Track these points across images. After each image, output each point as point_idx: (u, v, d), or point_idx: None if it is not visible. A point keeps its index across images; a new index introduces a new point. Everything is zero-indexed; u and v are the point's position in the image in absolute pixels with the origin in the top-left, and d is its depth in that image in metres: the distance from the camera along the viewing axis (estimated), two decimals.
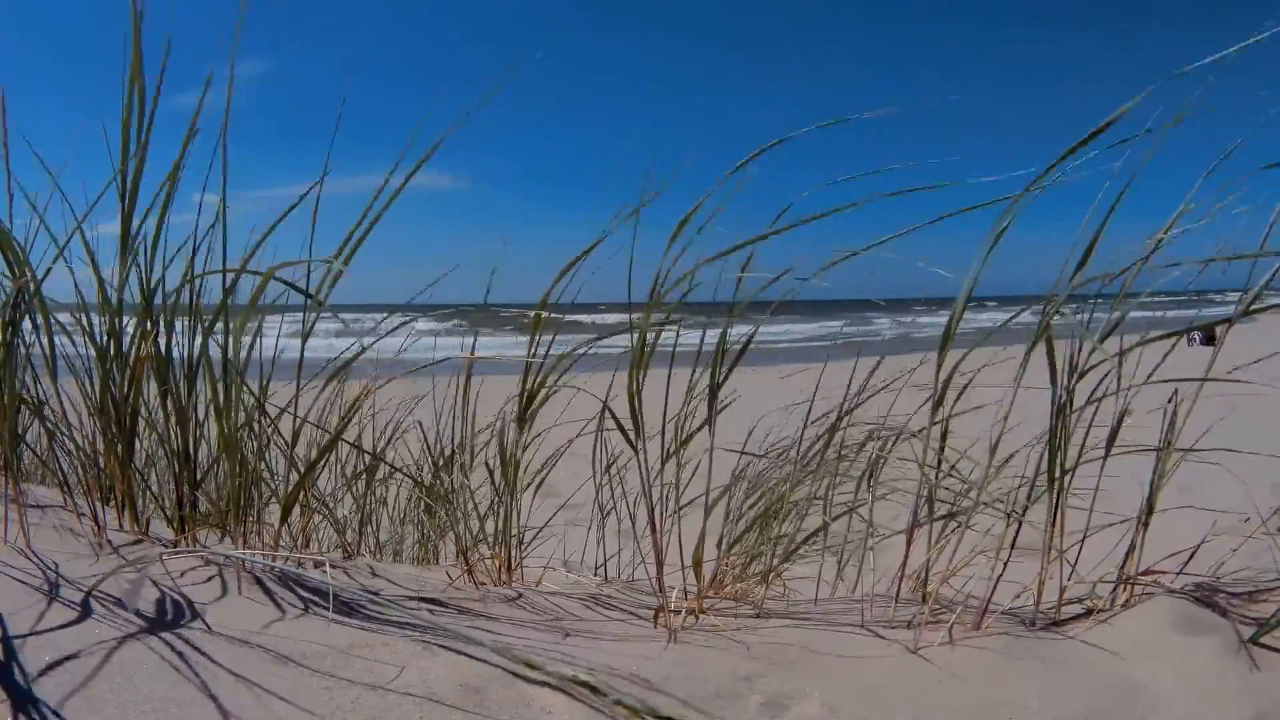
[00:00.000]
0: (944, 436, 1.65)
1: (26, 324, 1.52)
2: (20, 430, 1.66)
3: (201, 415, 1.66)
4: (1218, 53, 1.23)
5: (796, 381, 1.98)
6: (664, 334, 1.52)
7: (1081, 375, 1.41)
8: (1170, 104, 1.28)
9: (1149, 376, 1.43)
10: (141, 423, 1.64)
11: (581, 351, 1.62)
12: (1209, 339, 11.51)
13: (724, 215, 1.44)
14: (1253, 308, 1.34)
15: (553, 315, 1.59)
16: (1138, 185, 1.35)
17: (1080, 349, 1.41)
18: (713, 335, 1.55)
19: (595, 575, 2.02)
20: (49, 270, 1.52)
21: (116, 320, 1.54)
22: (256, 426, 1.60)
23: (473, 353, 1.80)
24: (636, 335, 1.49)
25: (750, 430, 2.08)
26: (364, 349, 1.70)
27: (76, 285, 1.58)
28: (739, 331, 1.56)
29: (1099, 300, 1.43)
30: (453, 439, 1.99)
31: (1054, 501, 1.43)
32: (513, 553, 1.82)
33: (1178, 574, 1.51)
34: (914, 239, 1.38)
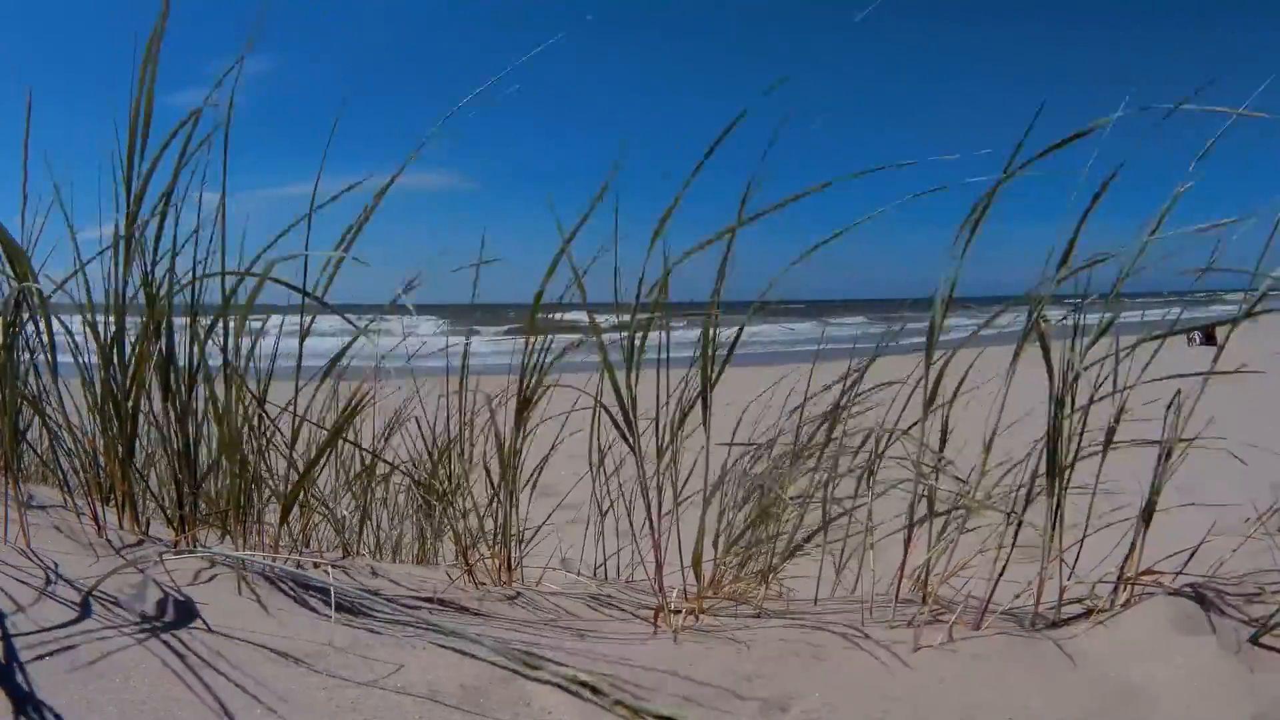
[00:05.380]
0: (943, 437, 1.65)
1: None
2: (21, 429, 1.66)
3: (201, 415, 1.66)
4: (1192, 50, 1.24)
5: (787, 381, 1.99)
6: (652, 334, 1.53)
7: (1078, 375, 1.41)
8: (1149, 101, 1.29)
9: (1143, 371, 1.42)
10: (142, 422, 1.64)
11: (565, 357, 1.63)
12: (1209, 339, 11.49)
13: (702, 213, 1.45)
14: (1255, 310, 1.34)
15: (548, 315, 1.60)
16: (1124, 182, 1.36)
17: (1075, 345, 1.41)
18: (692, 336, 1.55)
19: (594, 575, 2.02)
20: (59, 286, 1.53)
21: (118, 320, 1.54)
22: (256, 425, 1.60)
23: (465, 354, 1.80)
24: (626, 334, 1.49)
25: (738, 427, 2.08)
26: (343, 346, 1.70)
27: (86, 284, 1.58)
28: (726, 333, 1.57)
29: (1090, 299, 1.43)
30: (447, 437, 1.99)
31: (1053, 500, 1.43)
32: (512, 552, 1.82)
33: (1178, 574, 1.51)
34: (903, 241, 1.39)
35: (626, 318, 1.48)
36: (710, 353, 1.53)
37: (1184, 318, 1.46)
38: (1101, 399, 1.42)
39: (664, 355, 1.53)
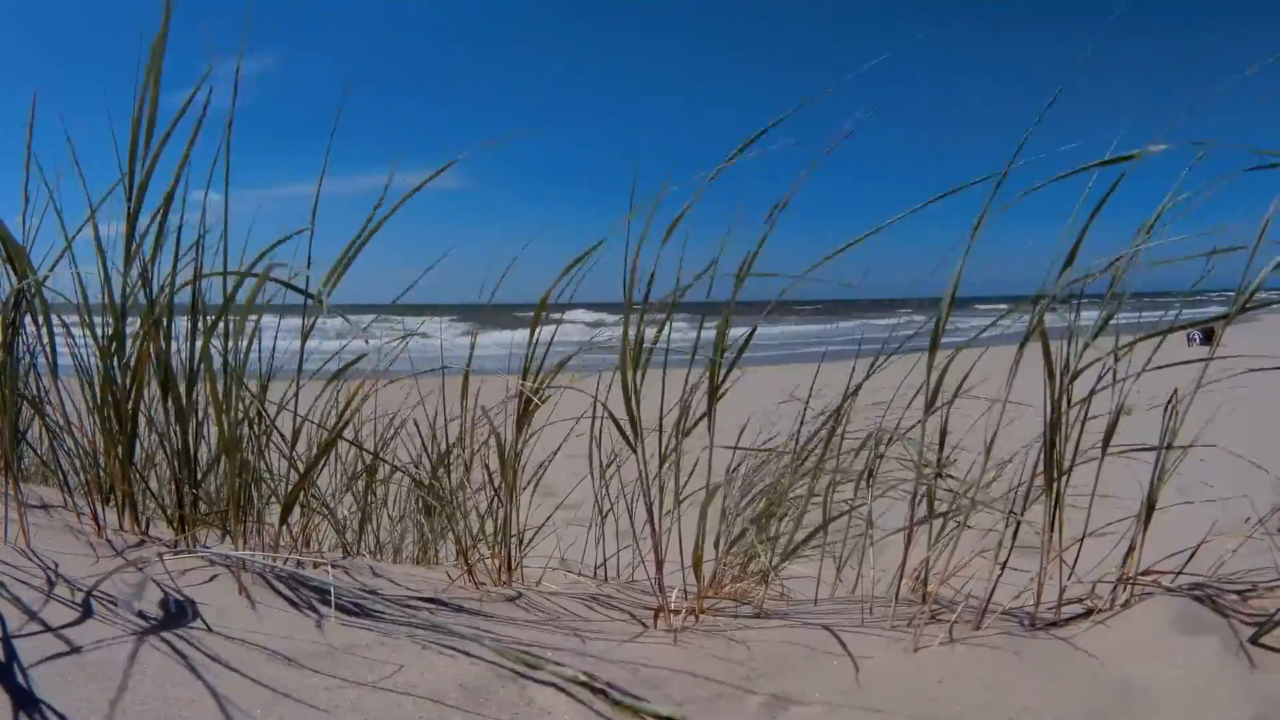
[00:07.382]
0: (943, 437, 1.65)
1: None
2: (21, 429, 1.66)
3: (202, 415, 1.66)
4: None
5: (792, 380, 1.98)
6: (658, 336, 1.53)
7: (1076, 375, 1.41)
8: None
9: (1144, 368, 1.42)
10: (142, 422, 1.64)
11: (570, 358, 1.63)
12: (1208, 338, 11.51)
13: (713, 213, 1.45)
14: (1248, 305, 1.34)
15: (551, 315, 1.60)
16: (1127, 184, 1.36)
17: (1075, 346, 1.41)
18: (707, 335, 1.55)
19: (595, 575, 2.02)
20: (51, 269, 1.53)
21: (119, 319, 1.54)
22: (256, 426, 1.60)
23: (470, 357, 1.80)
24: (633, 333, 1.49)
25: (743, 428, 2.08)
26: (353, 353, 1.71)
27: (81, 282, 1.58)
28: (734, 333, 1.56)
29: (1089, 299, 1.43)
30: (447, 439, 1.99)
31: (1052, 500, 1.43)
32: (512, 552, 1.81)
33: (1177, 574, 1.51)
34: (904, 242, 1.39)
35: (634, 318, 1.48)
36: (719, 355, 1.52)
37: (1183, 316, 1.46)
38: (1100, 389, 1.42)
39: (668, 356, 1.53)
